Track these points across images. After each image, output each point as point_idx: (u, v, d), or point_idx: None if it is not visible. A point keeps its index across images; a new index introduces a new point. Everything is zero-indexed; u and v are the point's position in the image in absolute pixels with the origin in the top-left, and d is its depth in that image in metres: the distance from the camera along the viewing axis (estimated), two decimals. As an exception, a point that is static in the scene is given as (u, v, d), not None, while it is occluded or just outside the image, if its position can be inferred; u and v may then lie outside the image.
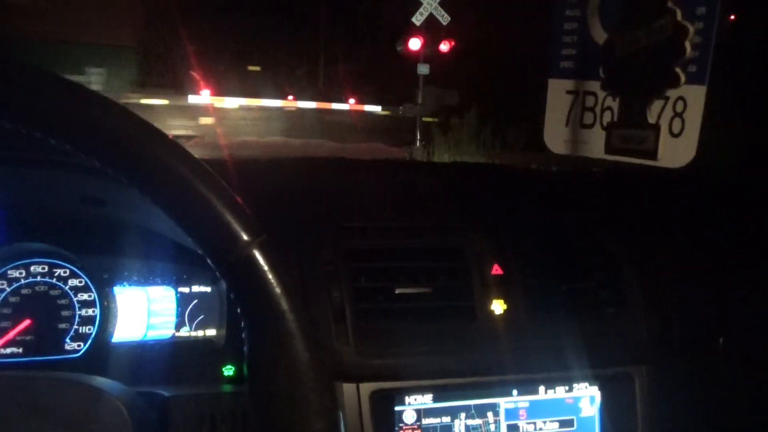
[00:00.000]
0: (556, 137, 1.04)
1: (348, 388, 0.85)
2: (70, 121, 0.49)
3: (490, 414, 0.90)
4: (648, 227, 1.04)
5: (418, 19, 9.20)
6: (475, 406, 0.90)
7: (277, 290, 0.51)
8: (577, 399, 0.94)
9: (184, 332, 0.98)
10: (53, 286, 0.91)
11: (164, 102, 9.12)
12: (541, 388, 0.92)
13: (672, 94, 0.75)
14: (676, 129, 0.79)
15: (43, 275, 0.91)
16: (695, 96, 0.79)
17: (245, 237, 0.50)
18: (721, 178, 1.02)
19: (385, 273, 0.91)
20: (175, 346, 0.97)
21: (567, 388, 0.93)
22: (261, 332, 0.51)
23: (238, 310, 0.52)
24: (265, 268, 0.51)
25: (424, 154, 8.47)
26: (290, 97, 10.15)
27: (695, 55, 0.71)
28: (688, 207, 1.05)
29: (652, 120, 0.75)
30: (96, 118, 0.49)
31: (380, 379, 0.86)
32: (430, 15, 9.16)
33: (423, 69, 9.63)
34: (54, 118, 0.48)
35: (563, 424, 0.93)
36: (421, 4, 9.09)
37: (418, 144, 9.44)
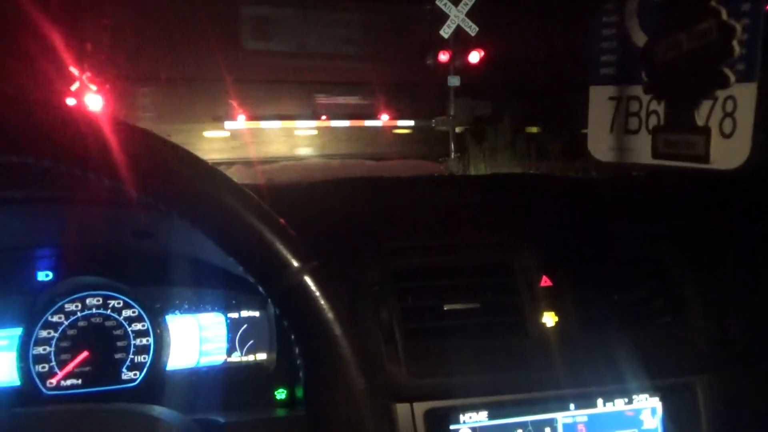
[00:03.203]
0: (600, 145, 1.02)
1: (402, 409, 0.84)
2: (121, 162, 0.50)
3: (547, 430, 0.88)
4: (701, 231, 1.01)
5: (446, 32, 9.20)
6: (532, 422, 0.88)
7: (330, 316, 0.51)
8: (637, 411, 0.91)
9: (236, 357, 0.99)
10: (108, 318, 0.94)
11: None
12: (600, 401, 0.90)
13: (721, 93, 0.72)
14: (727, 129, 0.76)
15: (98, 307, 0.93)
16: (746, 94, 0.76)
17: (296, 264, 0.51)
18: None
19: (433, 291, 0.90)
20: (227, 371, 0.98)
21: (626, 400, 0.91)
22: (316, 359, 0.51)
23: (293, 337, 0.52)
24: (317, 294, 0.51)
25: (460, 166, 8.43)
26: (323, 117, 10.32)
27: (743, 53, 0.69)
28: (743, 208, 1.01)
29: (701, 122, 0.72)
30: (146, 156, 0.50)
31: (434, 398, 0.85)
32: (458, 27, 9.15)
33: (453, 81, 9.61)
34: (104, 159, 0.49)
35: (625, 438, 0.90)
36: (448, 16, 9.10)
37: (452, 156, 9.41)
